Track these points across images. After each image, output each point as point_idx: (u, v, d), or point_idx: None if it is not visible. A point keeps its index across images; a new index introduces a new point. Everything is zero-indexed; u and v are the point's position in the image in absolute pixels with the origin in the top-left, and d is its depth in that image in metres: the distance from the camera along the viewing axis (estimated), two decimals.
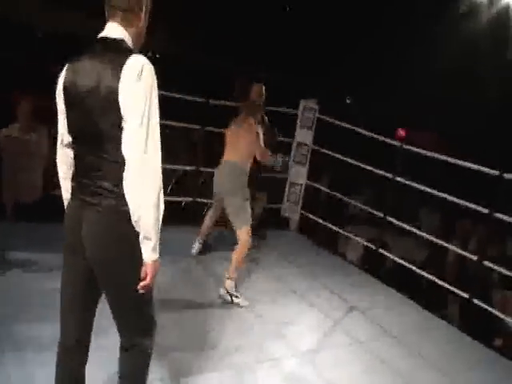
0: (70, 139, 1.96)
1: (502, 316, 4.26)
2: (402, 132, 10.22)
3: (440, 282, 4.68)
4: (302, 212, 6.06)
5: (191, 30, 10.72)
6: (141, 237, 1.85)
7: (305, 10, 11.25)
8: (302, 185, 6.06)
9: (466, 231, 6.05)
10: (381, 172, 5.33)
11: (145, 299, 1.98)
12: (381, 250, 5.28)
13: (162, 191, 1.86)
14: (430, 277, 4.79)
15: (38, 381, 2.56)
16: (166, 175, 6.39)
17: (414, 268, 4.93)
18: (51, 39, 10.08)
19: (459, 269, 5.51)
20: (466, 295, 4.43)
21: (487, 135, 9.45)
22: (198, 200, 5.69)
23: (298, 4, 11.62)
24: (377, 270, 5.33)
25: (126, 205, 1.82)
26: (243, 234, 3.96)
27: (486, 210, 4.39)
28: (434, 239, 4.94)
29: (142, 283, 1.87)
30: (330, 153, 5.89)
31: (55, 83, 1.96)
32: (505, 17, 9.96)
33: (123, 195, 1.81)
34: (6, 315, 3.10)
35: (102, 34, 1.92)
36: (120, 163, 1.81)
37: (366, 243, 5.56)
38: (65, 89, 1.89)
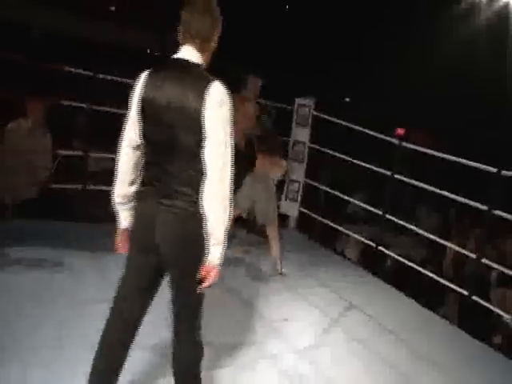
0: (140, 143, 2.15)
1: (501, 313, 4.25)
2: (400, 131, 10.23)
3: (439, 280, 4.67)
4: (301, 209, 6.05)
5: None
6: (212, 242, 2.03)
7: (303, 8, 11.26)
8: (300, 182, 6.05)
9: (465, 229, 6.04)
10: (380, 170, 5.32)
11: (202, 299, 2.18)
12: (380, 248, 5.27)
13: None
14: (430, 274, 4.78)
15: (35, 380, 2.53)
16: None
17: (413, 266, 4.92)
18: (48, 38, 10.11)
19: (458, 267, 5.50)
20: (465, 292, 4.43)
21: (485, 132, 9.47)
22: None
23: (295, 2, 11.64)
24: (376, 267, 5.31)
25: (200, 210, 2.03)
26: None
27: (484, 207, 4.38)
28: (433, 237, 4.94)
29: (205, 283, 2.04)
30: (327, 150, 5.88)
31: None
32: (503, 15, 9.98)
33: (198, 201, 2.04)
34: (7, 312, 3.08)
35: (180, 56, 2.13)
36: (197, 172, 2.04)
37: (365, 241, 5.55)
38: (143, 100, 2.07)
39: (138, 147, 2.15)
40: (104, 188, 5.25)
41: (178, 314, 2.21)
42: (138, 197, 2.17)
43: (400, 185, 5.27)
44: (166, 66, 2.12)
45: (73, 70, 4.90)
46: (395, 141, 5.35)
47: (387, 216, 5.17)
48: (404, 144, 5.17)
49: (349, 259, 5.74)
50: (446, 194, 4.72)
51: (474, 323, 4.34)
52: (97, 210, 5.08)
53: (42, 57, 6.65)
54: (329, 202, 6.72)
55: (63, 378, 2.60)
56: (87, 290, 3.55)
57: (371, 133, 5.40)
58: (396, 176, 5.11)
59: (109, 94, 5.28)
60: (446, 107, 10.24)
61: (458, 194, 4.65)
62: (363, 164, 5.48)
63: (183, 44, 2.14)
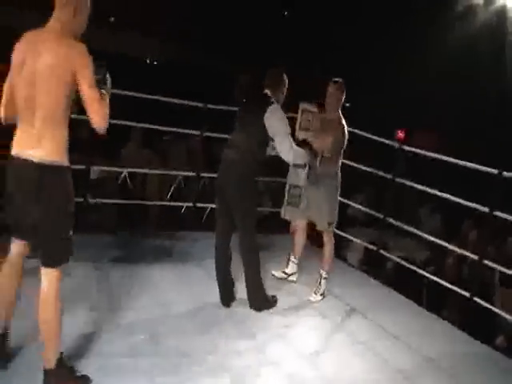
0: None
1: (503, 314, 4.26)
2: (400, 133, 10.24)
3: (441, 282, 4.69)
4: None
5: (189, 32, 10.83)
6: None
7: (305, 13, 11.29)
8: (302, 187, 6.04)
9: (468, 231, 6.06)
10: (380, 173, 5.33)
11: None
12: (381, 251, 5.29)
13: None
14: (431, 276, 4.79)
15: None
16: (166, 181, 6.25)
17: (414, 268, 4.94)
18: None
19: (460, 268, 5.52)
20: (466, 294, 4.44)
21: (486, 134, 9.47)
22: (198, 205, 5.74)
23: (297, 6, 11.67)
24: (377, 271, 5.33)
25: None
26: None
27: (486, 209, 4.40)
28: (434, 239, 4.95)
29: None
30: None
31: None
32: (503, 17, 9.97)
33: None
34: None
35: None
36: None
37: (366, 245, 5.56)
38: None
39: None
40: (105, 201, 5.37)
41: (241, 230, 3.79)
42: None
43: (401, 187, 5.29)
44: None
45: None
46: (395, 144, 5.38)
47: (388, 220, 5.18)
48: (404, 147, 5.19)
49: (351, 265, 5.75)
50: (447, 196, 4.74)
51: (477, 324, 4.35)
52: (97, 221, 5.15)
53: None
54: None
55: None
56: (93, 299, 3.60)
57: (372, 137, 5.42)
58: (397, 180, 5.13)
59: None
60: (448, 108, 10.24)
61: (459, 196, 4.67)
62: (363, 167, 5.50)
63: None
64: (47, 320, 2.44)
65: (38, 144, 2.37)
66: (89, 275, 3.98)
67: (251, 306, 3.87)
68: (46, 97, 2.34)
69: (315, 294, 4.31)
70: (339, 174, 4.39)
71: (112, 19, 11.57)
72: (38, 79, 2.33)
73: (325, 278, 4.34)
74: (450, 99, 10.00)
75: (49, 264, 2.46)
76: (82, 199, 4.79)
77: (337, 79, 4.31)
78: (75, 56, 2.35)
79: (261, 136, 3.73)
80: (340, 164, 4.40)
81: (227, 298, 3.90)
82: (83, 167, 4.90)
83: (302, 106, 6.04)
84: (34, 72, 2.33)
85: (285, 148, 3.73)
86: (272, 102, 3.77)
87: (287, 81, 3.97)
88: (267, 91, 3.86)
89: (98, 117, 2.41)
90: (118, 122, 4.56)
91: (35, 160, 2.37)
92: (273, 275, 4.60)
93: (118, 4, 10.61)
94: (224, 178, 3.81)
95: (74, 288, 3.56)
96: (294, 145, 3.79)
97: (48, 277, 2.45)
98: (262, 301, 3.91)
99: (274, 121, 3.71)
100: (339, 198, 4.46)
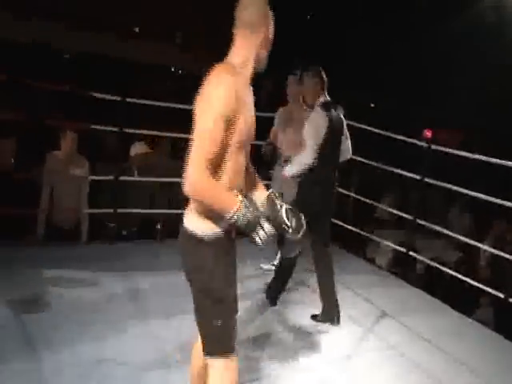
0: None
1: None
2: (427, 133, 10.09)
3: (473, 283, 4.60)
4: None
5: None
6: None
7: (322, 15, 11.27)
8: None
9: (501, 230, 5.92)
10: (409, 174, 5.26)
11: None
12: (411, 253, 5.21)
13: None
14: (463, 278, 4.71)
15: None
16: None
17: (445, 269, 4.86)
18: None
19: (493, 269, 5.40)
20: (501, 295, 4.35)
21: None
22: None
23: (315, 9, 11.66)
24: (407, 273, 5.26)
25: None
26: None
27: None
28: (465, 239, 4.87)
29: None
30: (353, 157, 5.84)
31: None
32: None
33: None
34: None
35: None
36: None
37: (395, 247, 5.50)
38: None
39: None
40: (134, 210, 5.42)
41: None
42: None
43: (429, 187, 5.21)
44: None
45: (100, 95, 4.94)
46: (423, 143, 5.30)
47: (418, 221, 5.11)
48: (433, 147, 5.11)
49: (379, 266, 5.69)
50: (477, 195, 4.65)
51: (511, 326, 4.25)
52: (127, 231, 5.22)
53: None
54: (356, 208, 6.65)
55: None
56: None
57: (398, 137, 5.36)
58: (426, 180, 5.06)
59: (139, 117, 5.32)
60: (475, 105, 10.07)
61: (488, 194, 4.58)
62: (390, 168, 5.45)
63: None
64: None
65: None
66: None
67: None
68: None
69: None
70: None
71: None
72: None
73: None
74: (475, 94, 9.83)
75: (204, 352, 2.06)
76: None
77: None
78: None
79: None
80: None
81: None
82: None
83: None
84: None
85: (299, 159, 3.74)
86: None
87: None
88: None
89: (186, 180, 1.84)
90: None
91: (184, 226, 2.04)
92: (260, 268, 4.66)
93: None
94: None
95: None
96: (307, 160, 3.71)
97: (209, 369, 2.05)
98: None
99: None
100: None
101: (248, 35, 1.96)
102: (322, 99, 3.77)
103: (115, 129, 4.98)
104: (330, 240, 3.93)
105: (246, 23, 1.95)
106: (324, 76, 3.82)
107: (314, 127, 3.66)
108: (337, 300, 3.84)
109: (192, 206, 1.97)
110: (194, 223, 1.96)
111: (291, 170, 3.84)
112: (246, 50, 1.97)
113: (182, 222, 2.02)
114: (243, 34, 1.97)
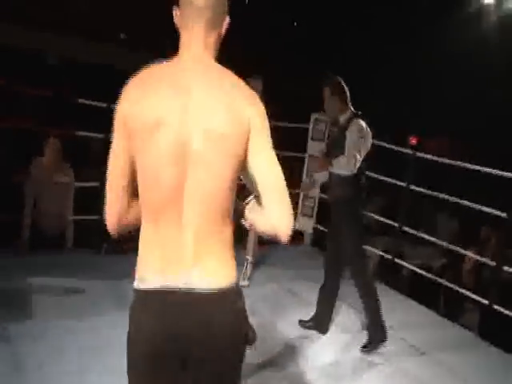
0: None
1: None
2: (413, 140, 10.19)
3: (458, 289, 4.63)
4: (317, 226, 6.03)
5: None
6: None
7: (316, 21, 11.28)
8: (315, 198, 6.04)
9: (486, 237, 5.96)
10: (394, 181, 5.29)
11: None
12: (397, 260, 5.24)
13: None
14: (448, 284, 4.74)
15: None
16: None
17: (430, 276, 4.89)
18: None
19: (477, 275, 5.43)
20: (485, 301, 4.38)
21: (501, 137, 9.35)
22: None
23: (307, 15, 11.68)
24: (393, 279, 5.28)
25: None
26: None
27: (504, 215, 4.34)
28: (451, 246, 4.90)
29: None
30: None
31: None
32: None
33: None
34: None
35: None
36: None
37: (382, 253, 5.51)
38: None
39: None
40: None
41: None
42: None
43: (416, 194, 5.24)
44: None
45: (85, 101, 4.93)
46: (409, 151, 5.33)
47: (403, 228, 5.14)
48: (418, 154, 5.15)
49: None
50: (464, 202, 4.70)
51: (497, 332, 4.28)
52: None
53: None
54: None
55: None
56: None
57: (383, 144, 5.39)
58: (411, 187, 5.09)
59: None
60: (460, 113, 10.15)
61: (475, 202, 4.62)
62: (375, 175, 5.47)
63: None
64: None
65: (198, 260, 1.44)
66: None
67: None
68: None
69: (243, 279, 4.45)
70: None
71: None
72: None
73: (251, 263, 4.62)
74: (463, 103, 9.92)
75: None
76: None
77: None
78: None
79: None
80: None
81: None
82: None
83: (314, 115, 6.05)
84: None
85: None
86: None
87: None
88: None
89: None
90: None
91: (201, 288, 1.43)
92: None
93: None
94: None
95: None
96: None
97: None
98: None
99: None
100: None
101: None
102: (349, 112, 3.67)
103: (100, 135, 4.95)
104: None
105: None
106: (345, 87, 3.68)
107: (361, 137, 3.56)
108: (332, 311, 3.85)
109: (226, 248, 1.48)
110: (231, 271, 1.49)
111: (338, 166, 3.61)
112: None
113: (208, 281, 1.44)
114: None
